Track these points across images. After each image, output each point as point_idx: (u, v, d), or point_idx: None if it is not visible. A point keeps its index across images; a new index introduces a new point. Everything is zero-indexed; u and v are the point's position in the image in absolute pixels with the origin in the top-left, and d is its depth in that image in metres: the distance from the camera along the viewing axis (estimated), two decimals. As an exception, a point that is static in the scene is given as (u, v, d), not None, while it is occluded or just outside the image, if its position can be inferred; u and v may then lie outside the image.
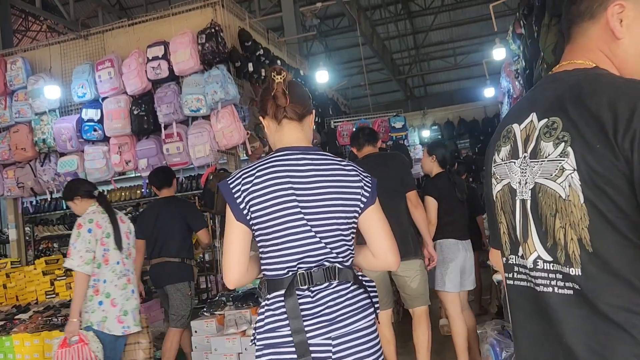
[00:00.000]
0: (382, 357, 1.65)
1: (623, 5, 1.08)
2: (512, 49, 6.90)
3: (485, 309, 5.73)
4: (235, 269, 1.62)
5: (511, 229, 1.17)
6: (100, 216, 3.34)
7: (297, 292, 1.57)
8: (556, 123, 1.05)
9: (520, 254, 1.14)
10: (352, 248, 1.68)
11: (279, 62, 6.65)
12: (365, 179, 1.69)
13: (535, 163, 1.09)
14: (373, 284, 1.73)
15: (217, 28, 5.32)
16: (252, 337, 1.66)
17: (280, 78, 1.67)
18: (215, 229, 5.92)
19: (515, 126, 1.18)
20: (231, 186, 1.62)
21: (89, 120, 5.58)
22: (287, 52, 7.88)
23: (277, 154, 1.67)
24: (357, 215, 1.67)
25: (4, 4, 9.99)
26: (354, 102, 17.53)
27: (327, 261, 1.60)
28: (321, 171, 1.63)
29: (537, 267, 1.09)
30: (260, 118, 1.80)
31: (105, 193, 7.65)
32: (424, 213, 3.77)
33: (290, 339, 1.52)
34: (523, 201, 1.13)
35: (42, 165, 5.92)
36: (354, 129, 7.72)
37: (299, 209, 1.58)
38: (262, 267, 1.66)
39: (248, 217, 1.60)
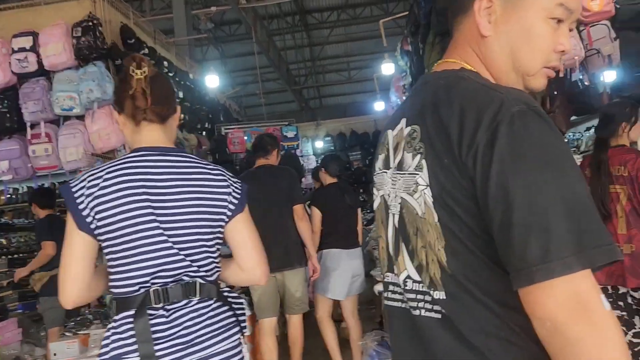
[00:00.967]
0: None
1: (492, 0, 0.95)
2: (400, 65, 7.15)
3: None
4: (72, 285, 1.40)
5: (388, 244, 1.05)
6: None
7: (150, 312, 1.39)
8: (416, 132, 0.94)
9: (394, 272, 1.03)
10: (217, 260, 1.54)
11: (165, 63, 6.32)
12: (234, 184, 1.58)
13: (401, 176, 0.98)
14: (241, 300, 1.60)
15: (95, 21, 4.91)
16: None
17: (141, 74, 1.46)
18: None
19: (389, 132, 1.06)
20: (73, 190, 1.40)
21: (-63, 115, 4.87)
22: (176, 54, 7.53)
23: (132, 154, 1.48)
24: (223, 224, 1.53)
25: None
26: (248, 111, 17.32)
27: (186, 276, 1.44)
28: (183, 175, 1.48)
29: (407, 286, 0.98)
30: (114, 112, 1.59)
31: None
32: (309, 225, 3.93)
33: None
34: (394, 216, 1.01)
35: None
36: (245, 138, 7.61)
37: (153, 217, 1.40)
38: (110, 284, 1.45)
39: (93, 226, 1.39)
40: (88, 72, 4.73)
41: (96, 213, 1.38)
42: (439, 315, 0.92)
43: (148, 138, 1.52)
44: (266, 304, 3.82)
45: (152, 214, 1.40)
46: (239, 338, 1.52)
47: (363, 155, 11.81)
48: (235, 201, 1.54)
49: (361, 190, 11.44)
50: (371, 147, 11.78)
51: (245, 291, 4.02)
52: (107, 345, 1.38)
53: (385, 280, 1.08)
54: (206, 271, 1.48)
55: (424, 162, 0.91)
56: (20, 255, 8.74)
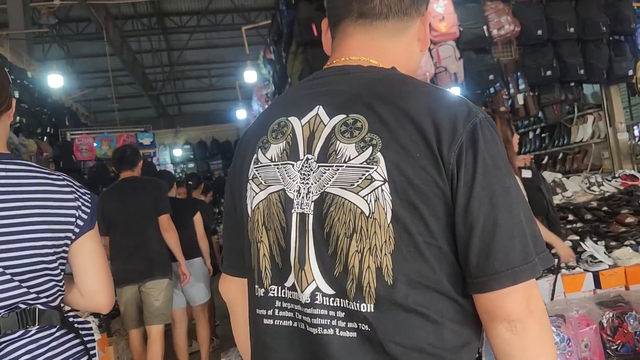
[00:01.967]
0: None
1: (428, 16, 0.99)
2: (262, 74, 7.13)
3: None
4: None
5: (277, 251, 0.90)
6: None
7: None
8: (360, 122, 0.85)
9: (288, 284, 0.88)
10: (61, 284, 1.32)
11: (-2, 58, 5.56)
12: (84, 196, 1.36)
13: (328, 168, 0.86)
14: (89, 325, 1.39)
15: None
16: None
17: None
18: None
19: (293, 120, 0.92)
20: None
21: None
22: (10, 50, 6.69)
23: None
24: (69, 242, 1.31)
25: None
26: (99, 116, 16.08)
27: (23, 303, 1.23)
28: (19, 186, 1.25)
29: (316, 302, 0.84)
30: None
31: None
32: (175, 235, 3.92)
33: None
34: (302, 215, 0.87)
35: None
36: (95, 144, 7.00)
37: None
38: None
39: None
40: None
41: None
42: (354, 334, 0.82)
43: None
44: (129, 316, 3.87)
45: None
46: None
47: (224, 164, 11.60)
48: (85, 216, 1.34)
49: (222, 200, 11.22)
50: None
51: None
52: None
53: (269, 294, 0.91)
54: (48, 296, 1.28)
55: (379, 155, 0.82)
56: None
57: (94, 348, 1.37)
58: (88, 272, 1.36)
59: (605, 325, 3.23)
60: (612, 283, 3.37)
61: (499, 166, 0.82)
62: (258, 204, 0.93)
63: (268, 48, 6.38)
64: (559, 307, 3.20)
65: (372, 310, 0.81)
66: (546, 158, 6.92)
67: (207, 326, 4.49)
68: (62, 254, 1.31)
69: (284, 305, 0.89)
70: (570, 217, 3.73)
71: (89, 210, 1.34)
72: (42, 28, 8.66)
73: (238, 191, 0.99)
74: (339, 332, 0.83)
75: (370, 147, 0.83)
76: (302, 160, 0.89)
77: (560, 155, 6.67)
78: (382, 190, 0.82)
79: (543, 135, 7.03)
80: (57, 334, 1.27)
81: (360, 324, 0.82)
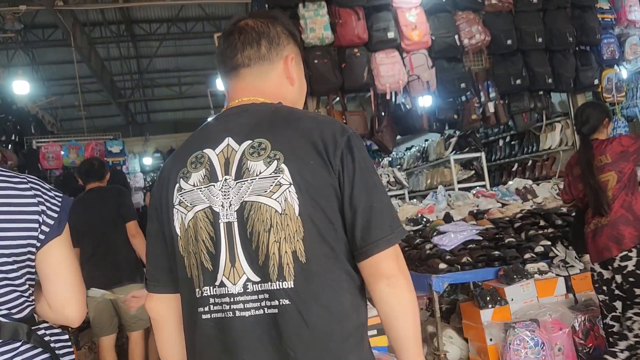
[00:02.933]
0: None
1: (293, 57, 1.25)
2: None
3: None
4: None
5: (206, 258, 1.09)
6: None
7: None
8: (264, 144, 1.09)
9: (217, 283, 1.07)
10: (27, 294, 1.24)
11: (-41, 63, 5.36)
12: (50, 200, 1.26)
13: (243, 182, 1.09)
14: (64, 337, 1.30)
15: None
16: None
17: None
18: None
19: (208, 151, 1.14)
20: None
21: None
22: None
23: None
24: (34, 250, 1.23)
25: None
26: (66, 124, 15.68)
27: None
28: None
29: (247, 290, 1.05)
30: None
31: None
32: (143, 241, 3.87)
33: None
34: (228, 224, 1.08)
35: None
36: (62, 152, 6.81)
37: None
38: None
39: None
40: None
41: None
42: (276, 310, 1.03)
43: None
44: (101, 323, 3.89)
45: None
46: None
47: (196, 172, 11.46)
48: (50, 221, 1.24)
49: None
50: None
51: None
52: None
53: (204, 295, 1.09)
54: (10, 308, 1.20)
55: (283, 165, 1.06)
56: None
57: None
58: (55, 282, 1.27)
59: (577, 328, 3.28)
60: (583, 287, 3.43)
61: (369, 166, 1.12)
62: (188, 222, 1.12)
63: (241, 55, 6.35)
64: (532, 311, 3.24)
65: (292, 287, 1.04)
66: (516, 165, 7.06)
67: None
68: (28, 262, 1.23)
69: (216, 300, 1.08)
70: (542, 223, 3.79)
71: (56, 215, 1.25)
72: (7, 33, 8.40)
73: (165, 217, 1.17)
74: (267, 311, 1.04)
75: (275, 161, 1.07)
76: (221, 181, 1.10)
77: (530, 162, 6.80)
78: (289, 192, 1.05)
79: (513, 142, 7.17)
80: (21, 348, 1.19)
81: (281, 300, 1.04)
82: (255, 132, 1.11)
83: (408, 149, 8.49)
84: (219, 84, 8.21)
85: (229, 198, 1.08)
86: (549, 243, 3.55)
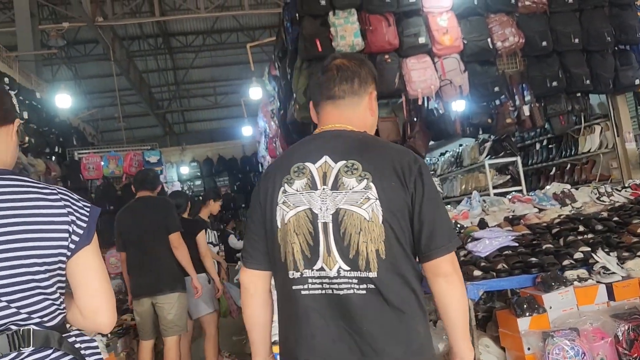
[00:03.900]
0: None
1: (375, 94, 1.58)
2: (268, 90, 7.15)
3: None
4: None
5: (307, 247, 1.41)
6: None
7: None
8: (356, 165, 1.42)
9: (317, 267, 1.40)
10: (58, 302, 1.27)
11: (6, 79, 5.62)
12: (79, 210, 1.30)
13: (338, 193, 1.41)
14: (94, 344, 1.34)
15: None
16: None
17: None
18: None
19: (309, 165, 1.46)
20: None
21: None
22: (19, 71, 6.76)
23: None
24: (65, 259, 1.27)
25: None
26: (106, 135, 16.18)
27: (14, 324, 1.18)
28: (6, 202, 1.21)
29: (340, 275, 1.38)
30: None
31: None
32: (183, 251, 4.12)
33: None
34: (325, 224, 1.40)
35: None
36: (102, 163, 7.03)
37: None
38: None
39: None
40: None
41: None
42: (364, 292, 1.37)
43: None
44: (143, 327, 4.12)
45: None
46: None
47: (231, 180, 11.60)
48: (80, 231, 1.28)
49: (230, 217, 11.19)
50: (240, 173, 11.62)
51: None
52: None
53: (303, 276, 1.42)
54: (42, 316, 1.23)
55: (371, 184, 1.39)
56: None
57: None
58: (86, 291, 1.30)
59: (620, 338, 3.15)
60: (626, 295, 3.29)
61: (434, 189, 1.44)
62: (289, 218, 1.44)
63: (273, 64, 6.42)
64: (572, 320, 3.14)
65: (376, 276, 1.38)
66: (554, 169, 6.86)
67: (212, 340, 4.62)
68: (59, 272, 1.27)
69: (314, 280, 1.41)
70: (581, 228, 3.67)
71: (85, 225, 1.28)
72: (51, 50, 8.75)
73: (268, 212, 1.48)
74: (356, 291, 1.37)
75: (365, 180, 1.40)
76: (320, 189, 1.43)
77: (568, 166, 6.61)
78: (375, 204, 1.39)
79: (550, 146, 6.97)
80: (53, 356, 1.22)
81: (368, 285, 1.38)
82: (348, 154, 1.43)
83: (442, 154, 8.38)
84: (253, 93, 8.32)
85: (326, 203, 1.41)
86: (589, 249, 3.43)
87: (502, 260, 3.35)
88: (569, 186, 4.93)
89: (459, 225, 4.11)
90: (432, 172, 7.54)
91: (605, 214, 3.70)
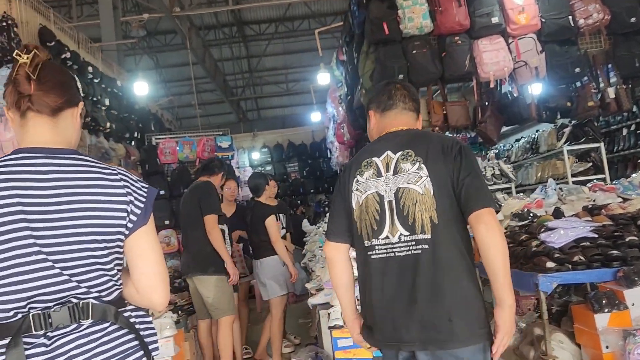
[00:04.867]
0: None
1: (420, 111, 2.03)
2: (336, 75, 7.12)
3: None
4: None
5: (374, 222, 1.78)
6: None
7: (28, 340, 1.17)
8: (410, 152, 1.79)
9: (382, 236, 1.76)
10: (116, 278, 1.32)
11: (90, 68, 5.96)
12: (138, 191, 1.34)
13: (397, 176, 1.78)
14: (148, 319, 1.39)
15: (10, 22, 4.55)
16: None
17: (27, 58, 1.27)
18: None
19: (375, 159, 1.84)
20: None
21: None
22: (102, 60, 7.15)
23: (9, 156, 1.25)
24: (123, 237, 1.31)
25: None
26: (184, 122, 16.85)
27: (74, 297, 1.23)
28: (70, 181, 1.25)
29: (401, 240, 1.73)
30: (5, 110, 1.37)
31: None
32: (216, 235, 4.09)
33: None
34: (390, 202, 1.76)
35: None
36: (177, 148, 7.31)
37: (28, 232, 1.18)
38: None
39: None
40: (1, 75, 4.36)
41: None
42: (419, 251, 1.70)
43: (34, 137, 1.29)
44: (195, 306, 4.28)
45: (27, 228, 1.19)
46: None
47: (300, 166, 11.71)
48: (138, 211, 1.31)
49: (299, 202, 11.33)
50: (309, 159, 11.71)
51: None
52: None
53: (372, 244, 1.78)
54: (100, 291, 1.27)
55: (423, 165, 1.75)
56: None
57: (153, 342, 1.36)
58: (141, 269, 1.34)
59: None
60: None
61: (474, 162, 1.76)
62: (362, 201, 1.82)
63: (340, 49, 6.37)
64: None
65: (429, 237, 1.70)
66: (643, 157, 6.36)
67: (278, 322, 4.59)
68: (117, 249, 1.30)
69: (379, 247, 1.77)
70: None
71: (142, 205, 1.32)
72: (134, 42, 9.17)
73: (347, 197, 1.87)
74: (413, 252, 1.71)
75: (418, 163, 1.76)
76: (383, 176, 1.80)
77: (660, 153, 6.10)
78: (427, 181, 1.74)
79: (639, 131, 6.46)
80: (110, 328, 1.26)
81: (423, 245, 1.70)
82: (404, 146, 1.80)
83: (517, 140, 7.99)
84: (320, 79, 8.33)
85: (389, 186, 1.77)
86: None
87: (579, 252, 3.15)
88: (658, 175, 4.55)
89: (531, 214, 3.91)
90: (506, 159, 7.21)
91: (698, 205, 3.38)
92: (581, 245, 3.23)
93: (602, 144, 5.71)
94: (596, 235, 3.29)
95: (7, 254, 1.17)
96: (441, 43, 4.47)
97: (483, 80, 4.45)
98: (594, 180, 5.10)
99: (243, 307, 5.16)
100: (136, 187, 1.34)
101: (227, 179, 4.95)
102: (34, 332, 1.17)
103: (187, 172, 7.04)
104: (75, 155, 1.31)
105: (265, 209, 4.72)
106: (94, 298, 1.26)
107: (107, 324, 1.27)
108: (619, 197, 4.21)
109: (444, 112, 4.42)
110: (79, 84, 1.42)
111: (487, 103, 4.66)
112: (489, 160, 5.53)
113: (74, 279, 1.22)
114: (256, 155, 11.42)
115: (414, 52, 4.36)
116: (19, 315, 1.18)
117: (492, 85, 4.47)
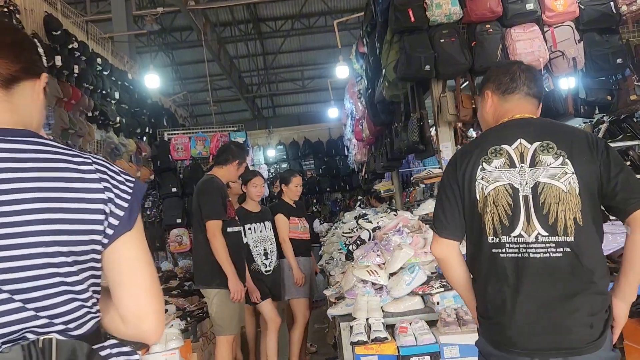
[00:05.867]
0: None
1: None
2: (355, 69, 6.83)
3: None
4: None
5: (505, 217, 1.60)
6: None
7: None
8: (551, 144, 1.61)
9: (514, 234, 1.59)
10: (89, 304, 0.99)
11: (99, 60, 5.75)
12: (120, 186, 1.01)
13: (536, 169, 1.60)
14: (135, 357, 1.04)
15: (12, 8, 4.33)
16: None
17: None
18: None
19: (505, 146, 1.65)
20: None
21: None
22: (112, 52, 6.94)
23: None
24: (99, 248, 0.99)
25: None
26: (200, 119, 16.68)
27: (31, 332, 0.92)
28: (24, 172, 0.93)
29: (538, 240, 1.57)
30: None
31: None
32: (217, 243, 3.47)
33: None
34: (525, 196, 1.59)
35: None
36: (190, 144, 7.08)
37: None
38: None
39: None
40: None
41: None
42: (560, 254, 1.55)
43: None
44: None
45: None
46: None
47: (317, 164, 11.45)
48: (120, 212, 1.00)
49: (314, 201, 11.06)
50: (325, 156, 11.44)
51: None
52: None
53: (501, 241, 1.60)
54: (68, 322, 0.95)
55: (568, 160, 1.59)
56: None
57: None
58: (126, 290, 1.02)
59: None
60: None
61: (619, 158, 1.62)
62: (488, 192, 1.63)
63: (361, 41, 6.07)
64: None
65: (573, 240, 1.56)
66: (683, 157, 5.96)
67: (299, 328, 4.34)
68: (92, 264, 0.99)
69: (511, 245, 1.60)
70: None
71: (126, 205, 1.00)
72: (145, 34, 8.99)
73: (466, 187, 1.67)
74: (552, 255, 1.56)
75: (561, 157, 1.60)
76: (518, 167, 1.62)
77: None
78: (572, 178, 1.58)
79: (679, 129, 6.06)
80: None
81: (564, 248, 1.56)
82: (542, 136, 1.63)
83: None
84: (339, 72, 8.04)
85: (525, 179, 1.60)
86: None
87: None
88: None
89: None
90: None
91: None
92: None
93: (640, 142, 5.34)
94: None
95: None
96: (471, 31, 4.16)
97: (516, 71, 4.12)
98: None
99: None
100: (117, 180, 1.02)
101: (254, 175, 4.31)
102: None
103: (200, 168, 6.83)
104: (34, 138, 0.98)
105: (274, 207, 4.54)
106: (58, 332, 0.94)
107: None
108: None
109: (473, 106, 4.10)
110: (41, 49, 1.12)
111: (519, 96, 4.34)
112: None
113: (29, 306, 0.91)
114: (272, 153, 11.21)
115: (442, 41, 4.05)
116: None
117: (525, 77, 4.14)
